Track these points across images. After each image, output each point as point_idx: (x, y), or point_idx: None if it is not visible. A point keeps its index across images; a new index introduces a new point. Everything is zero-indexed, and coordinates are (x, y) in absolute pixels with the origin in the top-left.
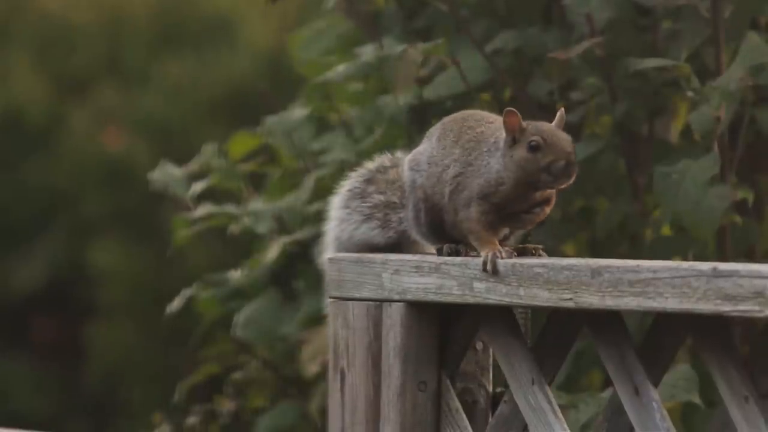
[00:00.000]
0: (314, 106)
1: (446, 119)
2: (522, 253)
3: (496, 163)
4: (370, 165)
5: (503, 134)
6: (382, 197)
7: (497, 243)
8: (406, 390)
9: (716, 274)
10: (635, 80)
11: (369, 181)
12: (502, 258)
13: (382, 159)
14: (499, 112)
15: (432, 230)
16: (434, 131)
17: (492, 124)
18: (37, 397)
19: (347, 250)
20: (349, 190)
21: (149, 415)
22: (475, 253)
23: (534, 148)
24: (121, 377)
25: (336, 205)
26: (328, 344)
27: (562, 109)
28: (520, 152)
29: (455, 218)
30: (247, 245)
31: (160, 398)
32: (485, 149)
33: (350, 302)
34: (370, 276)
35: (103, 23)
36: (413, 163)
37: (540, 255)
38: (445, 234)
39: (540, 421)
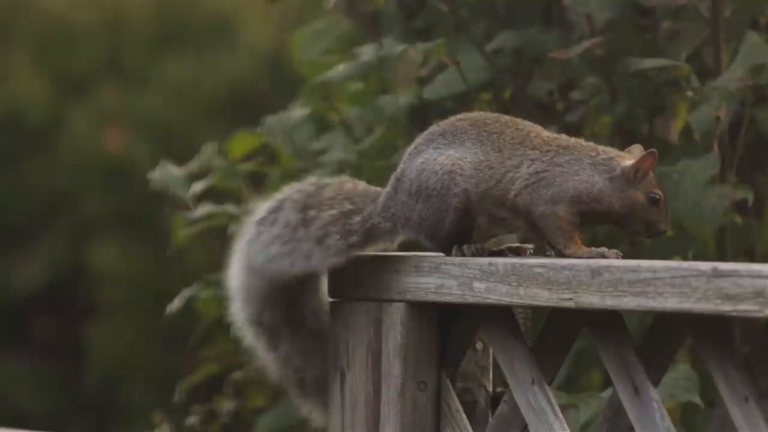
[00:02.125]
0: (314, 106)
1: (468, 122)
2: (516, 252)
3: (601, 182)
4: (294, 195)
5: (608, 155)
6: (334, 212)
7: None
8: (406, 390)
9: (716, 274)
10: (635, 80)
11: (304, 208)
12: (616, 257)
13: (300, 188)
14: (499, 111)
15: (453, 233)
16: (461, 137)
17: (544, 131)
18: (37, 397)
19: (277, 284)
20: (285, 227)
21: (149, 415)
22: (529, 253)
23: (654, 202)
24: (121, 377)
25: (268, 247)
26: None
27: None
28: (639, 196)
29: (528, 214)
30: None
31: (160, 398)
32: (588, 161)
33: (350, 302)
34: (370, 276)
35: (103, 23)
36: (454, 166)
37: (530, 254)
38: (466, 236)
39: (540, 421)
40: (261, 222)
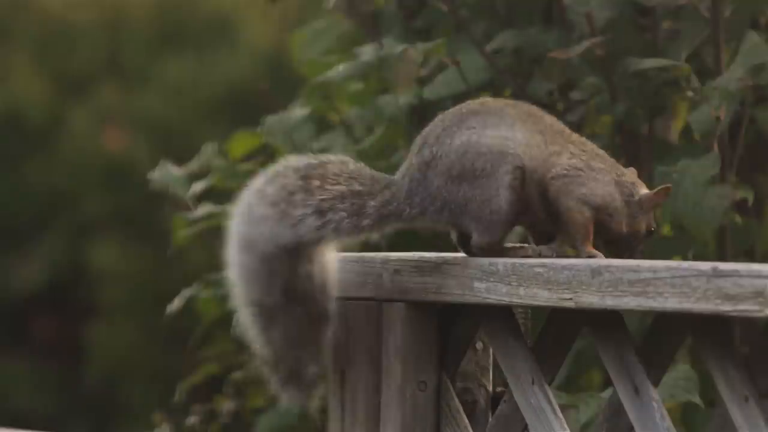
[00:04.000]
0: (314, 106)
1: (503, 103)
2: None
3: (620, 201)
4: (293, 164)
5: (630, 179)
6: (342, 188)
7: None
8: (406, 390)
9: (716, 274)
10: (635, 80)
11: (306, 177)
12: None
13: (301, 158)
14: None
15: (510, 214)
16: (498, 114)
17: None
18: (37, 397)
19: (265, 250)
20: (281, 189)
21: (149, 415)
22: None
23: (650, 234)
24: (121, 377)
25: (259, 204)
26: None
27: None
28: (642, 226)
29: (554, 202)
30: None
31: (160, 398)
32: (615, 175)
33: (350, 302)
34: (370, 276)
35: (103, 23)
36: (505, 143)
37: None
38: (514, 221)
39: (540, 421)
40: (254, 186)
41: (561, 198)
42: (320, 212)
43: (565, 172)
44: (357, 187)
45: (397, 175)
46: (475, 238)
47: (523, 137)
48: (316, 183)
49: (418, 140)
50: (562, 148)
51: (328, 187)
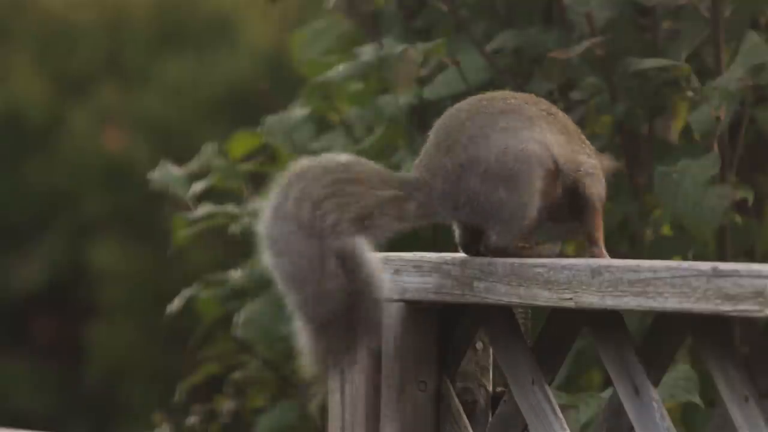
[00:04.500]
0: (314, 106)
1: (522, 100)
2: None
3: None
4: (314, 170)
5: None
6: (387, 192)
7: None
8: (406, 390)
9: (716, 274)
10: (635, 80)
11: (335, 182)
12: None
13: (328, 173)
14: None
15: (535, 220)
16: (525, 114)
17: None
18: (37, 397)
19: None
20: (319, 215)
21: (149, 415)
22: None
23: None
24: (121, 377)
25: (297, 232)
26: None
27: None
28: None
29: (582, 198)
30: (247, 245)
31: (160, 398)
32: None
33: None
34: None
35: (103, 23)
36: (540, 145)
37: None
38: (536, 228)
39: (540, 421)
40: (284, 210)
41: (586, 192)
42: (363, 227)
43: (592, 171)
44: (389, 191)
45: (422, 174)
46: (494, 240)
47: (552, 138)
48: (351, 189)
49: (444, 137)
50: (579, 147)
51: (365, 194)
